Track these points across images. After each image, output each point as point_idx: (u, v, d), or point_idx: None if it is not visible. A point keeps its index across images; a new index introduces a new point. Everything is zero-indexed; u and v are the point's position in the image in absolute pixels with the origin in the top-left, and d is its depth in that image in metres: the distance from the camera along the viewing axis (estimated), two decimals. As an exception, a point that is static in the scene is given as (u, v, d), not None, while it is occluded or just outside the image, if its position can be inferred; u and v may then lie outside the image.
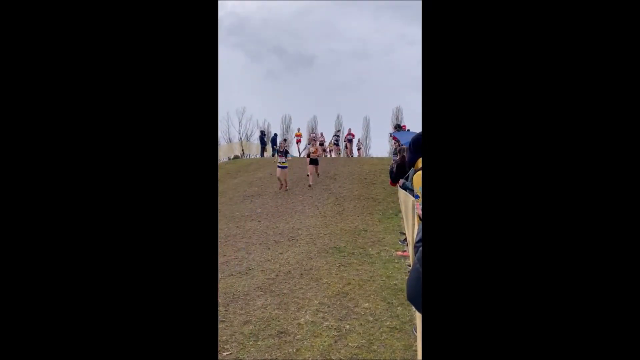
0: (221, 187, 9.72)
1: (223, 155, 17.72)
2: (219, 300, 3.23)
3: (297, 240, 5.01)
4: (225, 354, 2.33)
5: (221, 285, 3.59)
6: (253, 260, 4.30)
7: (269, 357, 2.25)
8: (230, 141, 30.22)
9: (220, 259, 4.44)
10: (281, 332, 2.54)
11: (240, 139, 29.18)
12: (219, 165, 8.94)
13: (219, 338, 2.54)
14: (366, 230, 5.28)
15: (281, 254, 4.46)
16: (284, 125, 35.19)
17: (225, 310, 3.01)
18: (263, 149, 16.78)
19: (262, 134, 17.79)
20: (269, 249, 4.71)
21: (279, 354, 2.27)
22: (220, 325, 2.73)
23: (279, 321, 2.73)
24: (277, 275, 3.73)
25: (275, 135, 18.77)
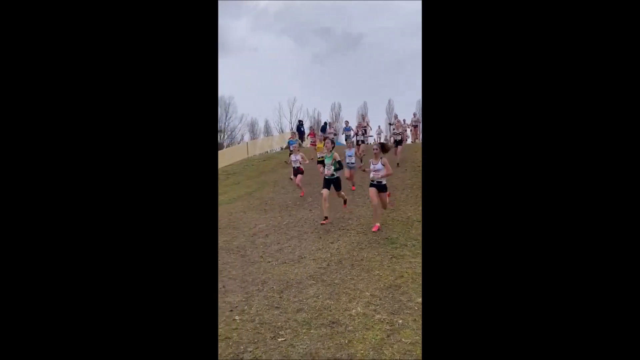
0: (274, 176, 10.06)
1: (276, 145, 18.22)
2: (274, 286, 3.37)
3: (348, 230, 5.00)
4: (280, 339, 2.43)
5: (275, 272, 3.74)
6: (305, 249, 4.40)
7: (322, 347, 2.30)
8: (282, 131, 31.05)
9: (274, 247, 4.62)
10: (333, 322, 2.58)
11: (292, 128, 29.78)
12: (271, 155, 9.11)
13: (275, 324, 2.65)
14: (419, 221, 5.08)
15: (332, 243, 4.50)
16: (334, 113, 35.10)
17: (280, 297, 3.13)
18: (301, 139, 16.91)
19: (300, 124, 17.95)
20: (320, 238, 4.78)
21: (331, 344, 2.31)
22: (275, 312, 2.86)
23: (330, 311, 2.77)
24: (328, 265, 3.77)
25: (326, 123, 18.77)
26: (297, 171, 7.33)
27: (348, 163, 7.37)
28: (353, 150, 8.08)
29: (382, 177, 4.72)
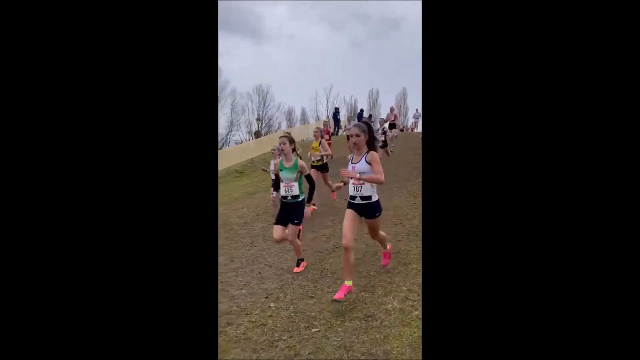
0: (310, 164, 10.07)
1: (312, 133, 18.25)
2: (308, 275, 3.37)
3: (384, 220, 4.86)
4: (314, 330, 2.42)
5: (309, 260, 3.74)
6: (340, 239, 4.34)
7: (356, 340, 2.25)
8: (318, 119, 31.00)
9: (310, 235, 4.62)
10: (368, 316, 2.52)
11: (328, 116, 29.61)
12: (307, 144, 9.08)
13: (309, 313, 2.65)
14: (461, 214, 4.80)
15: (367, 233, 4.40)
16: (371, 100, 34.34)
17: (314, 287, 3.12)
18: (337, 127, 16.61)
19: (336, 111, 17.68)
20: (356, 228, 4.69)
21: (366, 339, 2.25)
22: (309, 301, 2.85)
23: (365, 304, 2.70)
24: (363, 256, 3.70)
25: (362, 110, 18.39)
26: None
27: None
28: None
29: (364, 179, 2.63)
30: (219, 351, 2.21)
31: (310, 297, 2.93)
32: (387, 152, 8.59)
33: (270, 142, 14.65)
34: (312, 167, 6.02)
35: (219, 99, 36.51)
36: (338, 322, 2.48)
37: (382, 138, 7.99)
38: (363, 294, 2.88)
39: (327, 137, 10.01)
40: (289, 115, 37.17)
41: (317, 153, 6.05)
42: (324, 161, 6.00)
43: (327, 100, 35.80)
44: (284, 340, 2.34)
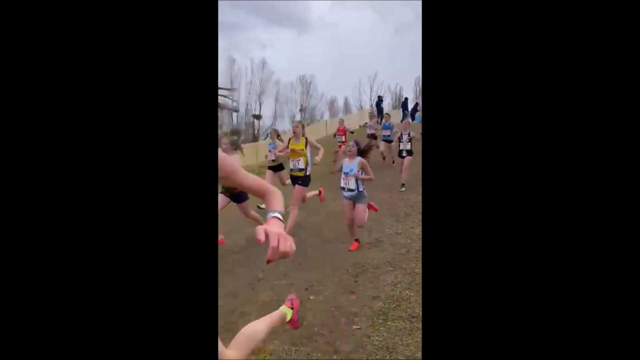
0: (352, 154, 9.89)
1: (355, 123, 17.91)
2: (349, 269, 3.28)
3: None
4: (354, 327, 2.33)
5: (350, 254, 3.64)
6: (383, 233, 4.19)
7: (399, 342, 2.11)
8: (361, 108, 30.49)
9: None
10: (412, 317, 2.36)
11: (371, 105, 28.93)
12: (348, 133, 8.88)
13: (349, 309, 2.56)
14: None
15: (412, 228, 4.19)
16: (417, 88, 32.94)
17: (355, 282, 3.02)
18: (380, 116, 16.00)
19: (380, 100, 17.03)
20: (400, 222, 4.50)
21: (410, 341, 2.11)
22: (349, 296, 2.76)
23: (410, 303, 2.55)
24: (407, 252, 3.51)
25: (406, 99, 17.66)
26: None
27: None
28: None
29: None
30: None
31: (351, 292, 2.83)
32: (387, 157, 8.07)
33: (314, 132, 14.64)
34: (268, 168, 5.74)
35: (263, 90, 37.36)
36: (380, 321, 2.36)
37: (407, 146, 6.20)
38: (407, 292, 2.72)
39: (342, 137, 8.77)
40: (331, 105, 36.99)
41: (279, 153, 4.82)
42: (307, 170, 4.41)
43: (371, 88, 35.03)
44: (323, 335, 2.28)
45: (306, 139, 4.44)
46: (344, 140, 8.53)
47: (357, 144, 3.68)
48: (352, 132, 9.46)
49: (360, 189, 3.59)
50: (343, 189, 3.67)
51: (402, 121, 7.90)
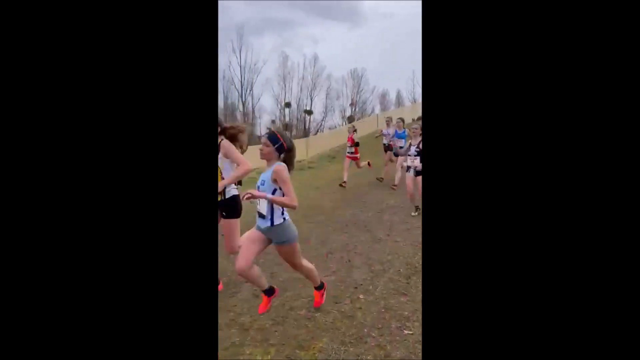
0: (404, 150, 9.54)
1: (409, 117, 17.27)
2: (400, 269, 3.15)
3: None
4: (406, 332, 2.22)
5: (402, 253, 3.50)
6: (437, 233, 3.96)
7: (456, 353, 1.97)
8: (414, 101, 29.33)
9: (402, 226, 4.35)
10: (471, 326, 2.19)
11: (425, 98, 27.67)
12: (404, 125, 7.90)
13: (401, 312, 2.45)
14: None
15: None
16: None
17: (407, 283, 2.89)
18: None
19: None
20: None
21: (469, 353, 1.96)
22: (401, 298, 2.65)
23: (468, 311, 2.37)
24: (465, 255, 3.28)
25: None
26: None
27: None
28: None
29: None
30: (307, 337, 2.21)
31: (403, 294, 2.72)
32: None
33: (364, 126, 14.42)
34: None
35: (315, 85, 37.70)
36: (434, 328, 2.23)
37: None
38: (465, 299, 2.53)
39: (352, 147, 6.86)
40: (383, 98, 36.12)
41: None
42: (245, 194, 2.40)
43: (426, 81, 33.47)
44: (374, 337, 2.21)
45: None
46: (354, 151, 6.86)
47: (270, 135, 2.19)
48: (357, 144, 6.89)
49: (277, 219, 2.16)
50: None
51: (412, 127, 4.79)
